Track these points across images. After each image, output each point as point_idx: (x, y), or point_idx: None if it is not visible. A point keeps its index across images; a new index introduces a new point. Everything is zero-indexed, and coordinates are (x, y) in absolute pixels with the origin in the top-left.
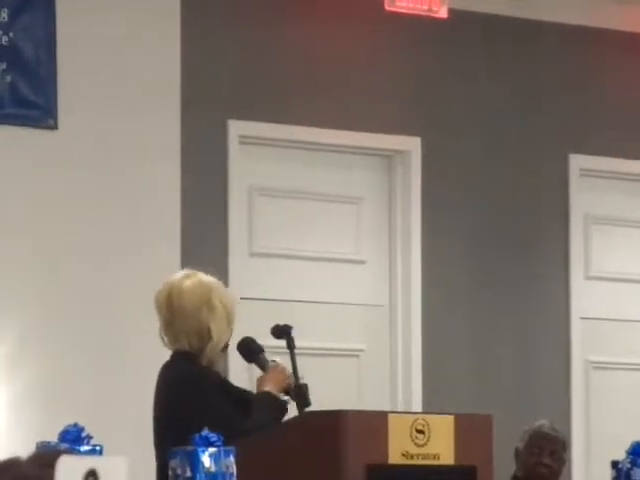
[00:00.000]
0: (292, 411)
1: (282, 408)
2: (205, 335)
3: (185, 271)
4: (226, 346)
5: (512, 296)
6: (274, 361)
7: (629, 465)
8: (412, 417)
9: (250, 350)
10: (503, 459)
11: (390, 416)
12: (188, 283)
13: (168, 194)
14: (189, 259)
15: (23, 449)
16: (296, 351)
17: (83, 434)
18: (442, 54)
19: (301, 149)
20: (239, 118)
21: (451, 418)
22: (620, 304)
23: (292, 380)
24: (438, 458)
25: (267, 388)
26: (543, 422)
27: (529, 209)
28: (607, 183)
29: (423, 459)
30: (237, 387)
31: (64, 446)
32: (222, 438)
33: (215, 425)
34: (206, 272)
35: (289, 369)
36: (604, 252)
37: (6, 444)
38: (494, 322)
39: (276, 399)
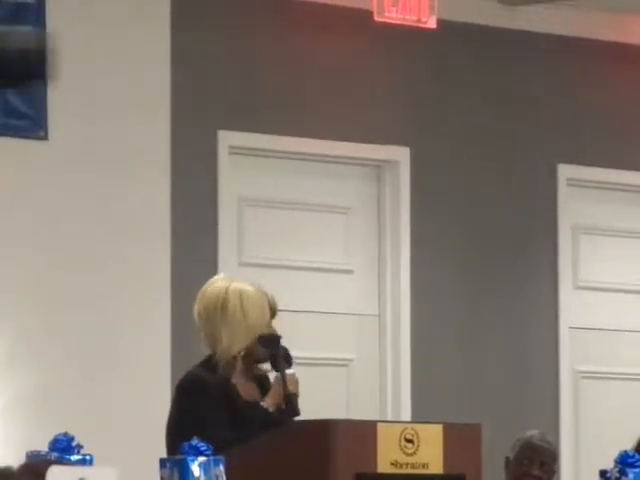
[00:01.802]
0: None
1: (270, 422)
2: (218, 339)
3: (218, 276)
4: (256, 358)
5: (501, 306)
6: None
7: (617, 474)
8: (401, 426)
9: (274, 362)
10: (491, 468)
11: (379, 425)
12: (210, 288)
13: (158, 204)
14: (179, 269)
15: (13, 458)
16: None
17: (73, 443)
18: (431, 64)
19: (290, 159)
20: (229, 129)
21: (440, 427)
22: (608, 314)
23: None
24: (427, 467)
25: (263, 401)
26: (534, 432)
27: (518, 219)
28: (595, 193)
29: (412, 468)
30: (245, 399)
31: (54, 455)
32: (212, 447)
33: (195, 432)
34: (195, 282)
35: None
36: (592, 262)
37: None
38: (483, 331)
39: (264, 412)
